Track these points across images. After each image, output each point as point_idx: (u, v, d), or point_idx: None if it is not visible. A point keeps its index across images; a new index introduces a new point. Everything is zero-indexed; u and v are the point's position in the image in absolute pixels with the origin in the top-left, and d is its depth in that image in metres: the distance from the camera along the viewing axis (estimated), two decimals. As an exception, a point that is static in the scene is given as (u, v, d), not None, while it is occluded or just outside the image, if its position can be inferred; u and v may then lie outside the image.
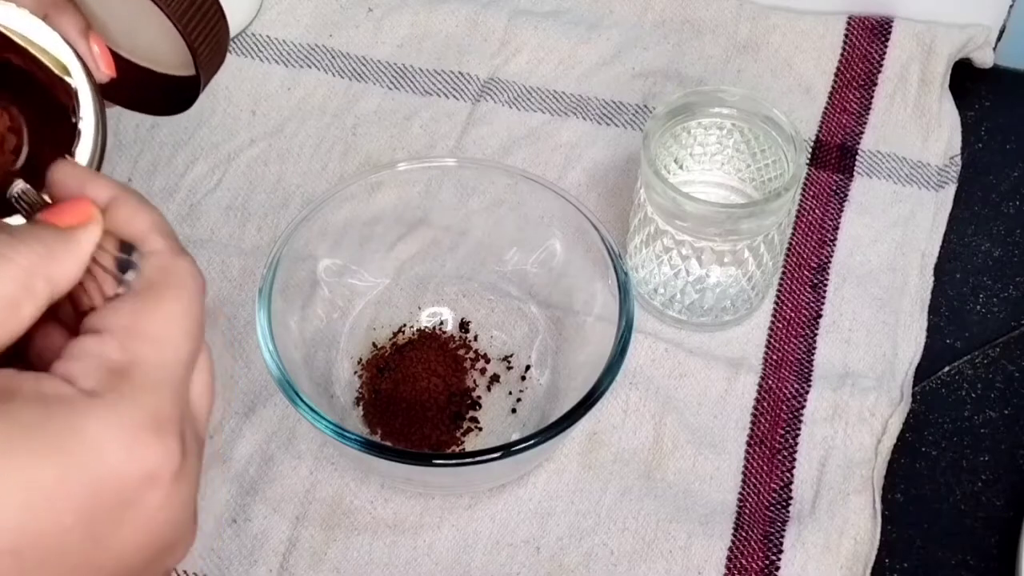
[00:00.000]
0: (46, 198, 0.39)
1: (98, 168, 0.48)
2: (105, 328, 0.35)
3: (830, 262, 0.68)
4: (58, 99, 0.48)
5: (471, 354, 0.64)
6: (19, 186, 0.40)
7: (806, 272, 0.68)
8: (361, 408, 0.62)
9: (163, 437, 0.34)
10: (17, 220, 0.46)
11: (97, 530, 0.33)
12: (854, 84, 0.75)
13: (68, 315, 0.38)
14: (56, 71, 0.47)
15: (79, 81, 0.48)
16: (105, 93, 0.50)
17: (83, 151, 0.48)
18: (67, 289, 0.36)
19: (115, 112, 0.72)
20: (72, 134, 0.48)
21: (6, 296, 0.34)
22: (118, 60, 0.52)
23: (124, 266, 0.37)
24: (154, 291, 0.36)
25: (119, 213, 0.38)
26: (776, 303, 0.67)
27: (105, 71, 0.50)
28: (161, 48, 0.52)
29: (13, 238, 0.35)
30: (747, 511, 0.60)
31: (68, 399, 0.33)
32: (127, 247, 0.38)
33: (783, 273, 0.68)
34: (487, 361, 0.64)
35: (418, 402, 0.61)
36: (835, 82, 0.75)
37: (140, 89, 0.53)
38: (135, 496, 0.34)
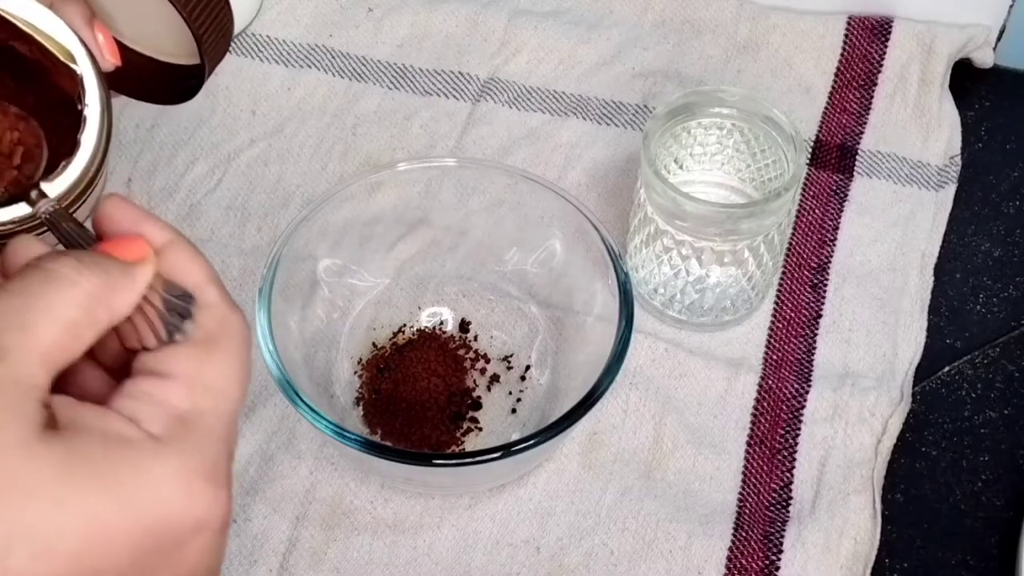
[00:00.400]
0: (88, 227, 0.40)
1: (103, 156, 0.48)
2: (169, 374, 0.36)
3: (830, 262, 0.68)
4: (63, 86, 0.48)
5: (471, 354, 0.64)
6: (47, 205, 0.41)
7: (806, 272, 0.68)
8: (361, 408, 0.62)
9: (217, 487, 0.35)
10: (12, 211, 0.46)
11: (145, 570, 0.34)
12: (854, 84, 0.75)
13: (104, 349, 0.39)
14: (62, 58, 0.47)
15: (84, 68, 0.48)
16: (110, 82, 0.50)
17: (88, 138, 0.48)
18: (119, 322, 0.37)
19: (115, 111, 0.72)
20: (77, 121, 0.48)
21: (70, 320, 0.35)
22: (123, 49, 0.52)
23: (179, 311, 0.38)
24: (214, 344, 0.37)
25: (173, 258, 0.39)
26: (776, 303, 0.67)
27: (110, 60, 0.50)
28: (166, 36, 0.52)
29: (80, 263, 0.36)
30: (747, 511, 0.60)
31: (134, 441, 0.34)
32: (177, 291, 0.38)
33: (783, 273, 0.68)
34: (487, 361, 0.64)
35: (418, 402, 0.61)
36: (835, 82, 0.75)
37: (144, 78, 0.53)
38: (185, 541, 0.35)
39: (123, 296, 0.36)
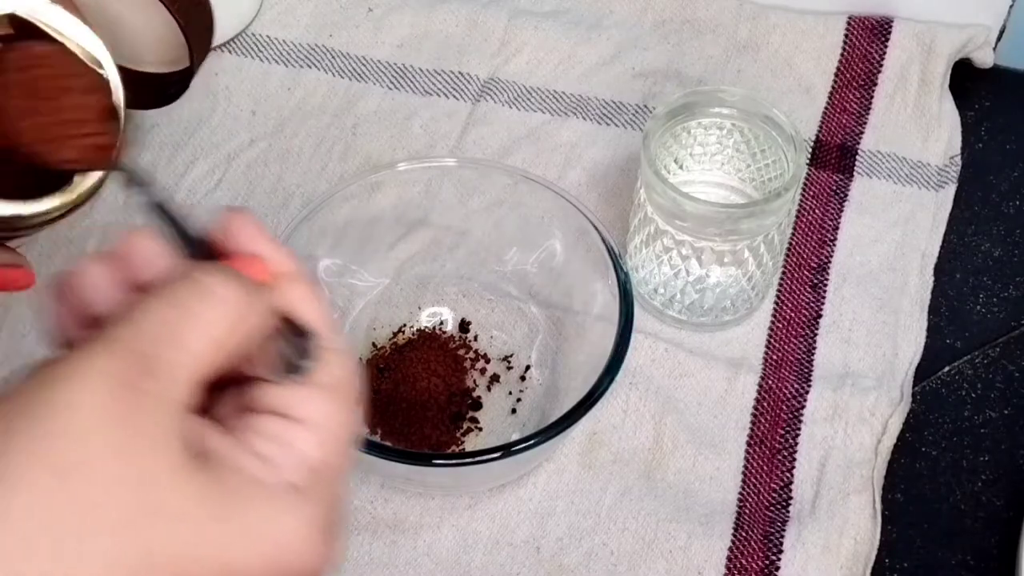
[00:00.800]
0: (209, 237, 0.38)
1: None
2: (300, 419, 0.35)
3: (830, 262, 0.68)
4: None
5: (471, 354, 0.64)
6: (158, 194, 0.38)
7: (806, 272, 0.68)
8: (361, 408, 0.62)
9: (331, 540, 0.35)
10: (23, 207, 0.46)
11: None
12: (854, 84, 0.75)
13: None
14: (89, 63, 0.48)
15: (111, 72, 0.48)
16: None
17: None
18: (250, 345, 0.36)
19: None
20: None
21: (218, 339, 0.34)
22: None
23: (297, 347, 0.36)
24: (339, 392, 0.36)
25: (295, 291, 0.37)
26: (776, 303, 0.67)
27: None
28: (146, 48, 0.52)
29: (227, 279, 0.34)
30: (747, 511, 0.60)
31: (271, 487, 0.34)
32: (295, 326, 0.36)
33: (783, 273, 0.68)
34: (487, 361, 0.64)
35: (418, 402, 0.61)
36: (835, 82, 0.75)
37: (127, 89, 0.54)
38: None
39: (257, 318, 0.35)
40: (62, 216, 0.48)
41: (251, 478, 0.34)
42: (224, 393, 0.36)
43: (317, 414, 0.35)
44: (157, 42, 0.52)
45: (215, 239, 0.37)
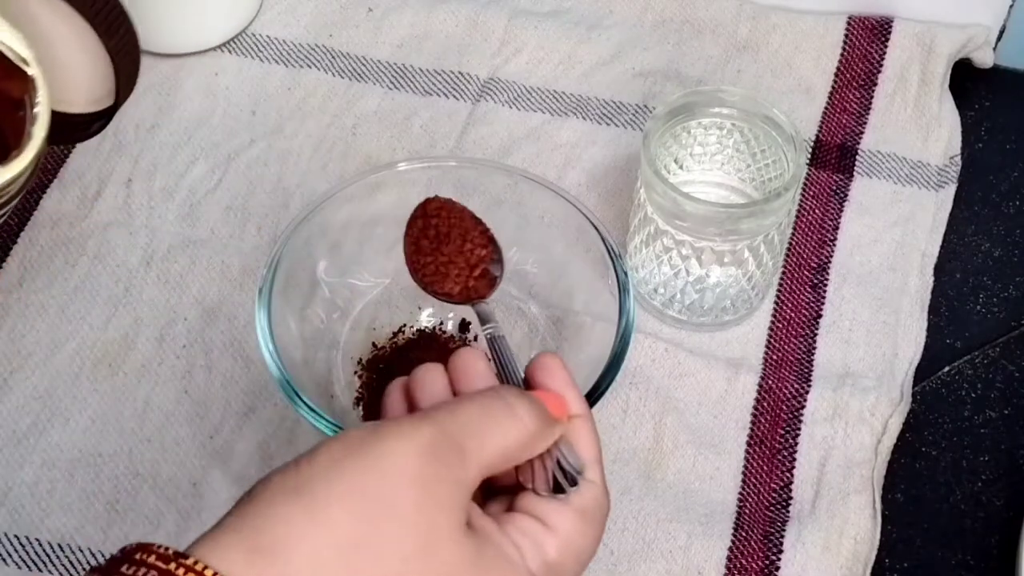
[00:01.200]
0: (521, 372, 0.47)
1: (44, 150, 0.52)
2: (551, 526, 0.43)
3: (830, 262, 0.68)
4: (12, 89, 0.51)
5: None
6: (492, 329, 0.50)
7: (806, 272, 0.68)
8: (361, 408, 0.62)
9: None
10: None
11: None
12: (854, 84, 0.75)
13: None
14: (16, 62, 0.51)
15: (35, 71, 0.51)
16: None
17: (39, 132, 0.51)
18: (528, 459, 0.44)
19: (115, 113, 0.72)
20: (23, 120, 0.52)
21: (508, 448, 0.42)
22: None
23: (567, 473, 0.44)
24: (589, 516, 0.44)
25: (578, 428, 0.46)
26: (776, 303, 0.67)
27: None
28: (72, 89, 0.55)
29: (530, 406, 0.43)
30: (747, 511, 0.60)
31: (517, 566, 0.42)
32: (572, 456, 0.44)
33: (783, 273, 0.68)
34: (487, 361, 0.64)
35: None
36: (835, 82, 0.75)
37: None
38: None
39: (543, 443, 0.43)
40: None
41: (505, 555, 0.41)
42: (497, 494, 0.45)
43: (565, 528, 0.43)
44: (85, 81, 0.55)
45: (531, 374, 0.47)
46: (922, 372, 0.65)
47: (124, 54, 0.55)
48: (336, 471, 0.39)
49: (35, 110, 0.52)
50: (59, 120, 0.55)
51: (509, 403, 0.43)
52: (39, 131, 0.51)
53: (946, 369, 0.66)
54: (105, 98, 0.56)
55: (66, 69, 0.55)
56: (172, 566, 0.36)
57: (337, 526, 0.38)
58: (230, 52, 0.76)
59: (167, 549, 0.36)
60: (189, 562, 0.36)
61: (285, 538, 0.37)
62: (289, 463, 0.40)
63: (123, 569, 0.36)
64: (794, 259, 0.68)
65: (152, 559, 0.36)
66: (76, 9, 0.53)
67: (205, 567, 0.36)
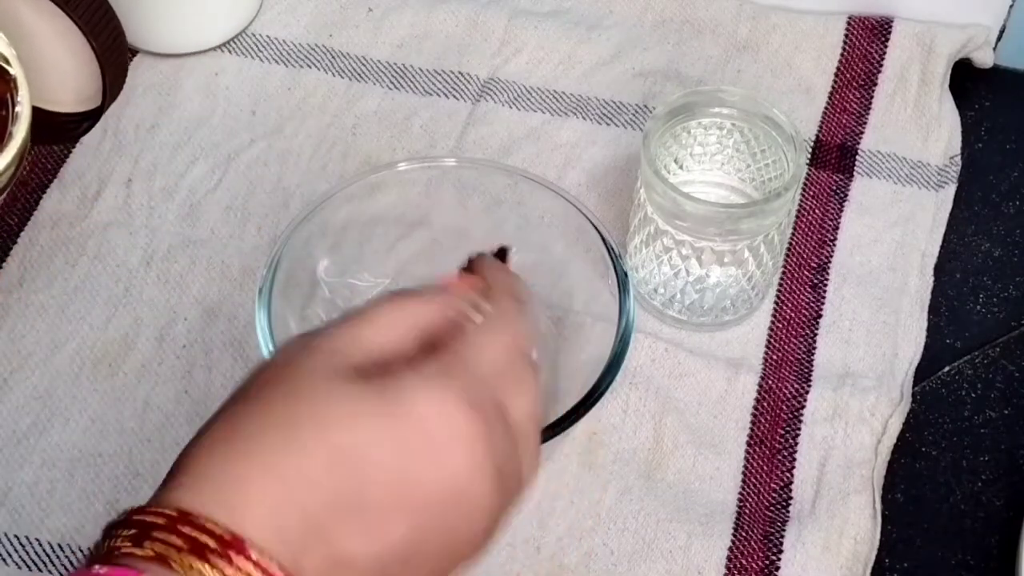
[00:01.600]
0: None
1: (27, 149, 0.52)
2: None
3: (830, 262, 0.68)
4: None
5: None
6: None
7: (806, 272, 0.68)
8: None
9: (476, 409, 0.40)
10: None
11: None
12: (854, 84, 0.75)
13: None
14: None
15: (17, 71, 0.50)
16: None
17: (19, 131, 0.52)
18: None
19: (115, 112, 0.72)
20: (7, 120, 0.51)
21: (390, 326, 0.42)
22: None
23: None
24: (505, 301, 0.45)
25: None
26: (776, 303, 0.67)
27: None
28: (59, 88, 0.55)
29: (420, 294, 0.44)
30: (747, 511, 0.60)
31: (420, 375, 0.40)
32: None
33: (783, 273, 0.68)
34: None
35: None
36: (835, 82, 0.75)
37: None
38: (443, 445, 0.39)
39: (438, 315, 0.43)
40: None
41: (404, 375, 0.39)
42: None
43: (485, 340, 0.43)
44: (72, 81, 0.54)
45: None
46: (922, 372, 0.65)
47: (110, 53, 0.55)
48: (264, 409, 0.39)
49: (16, 109, 0.51)
50: (46, 120, 0.55)
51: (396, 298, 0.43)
52: (20, 131, 0.51)
53: (946, 369, 0.66)
54: (93, 98, 0.56)
55: (52, 69, 0.55)
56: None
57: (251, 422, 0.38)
58: (230, 52, 0.76)
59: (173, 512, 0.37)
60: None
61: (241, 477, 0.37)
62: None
63: (156, 535, 0.36)
64: (794, 259, 0.68)
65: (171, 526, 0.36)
66: (60, 7, 0.53)
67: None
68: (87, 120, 0.57)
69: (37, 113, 0.55)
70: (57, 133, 0.58)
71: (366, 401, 0.38)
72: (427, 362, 0.40)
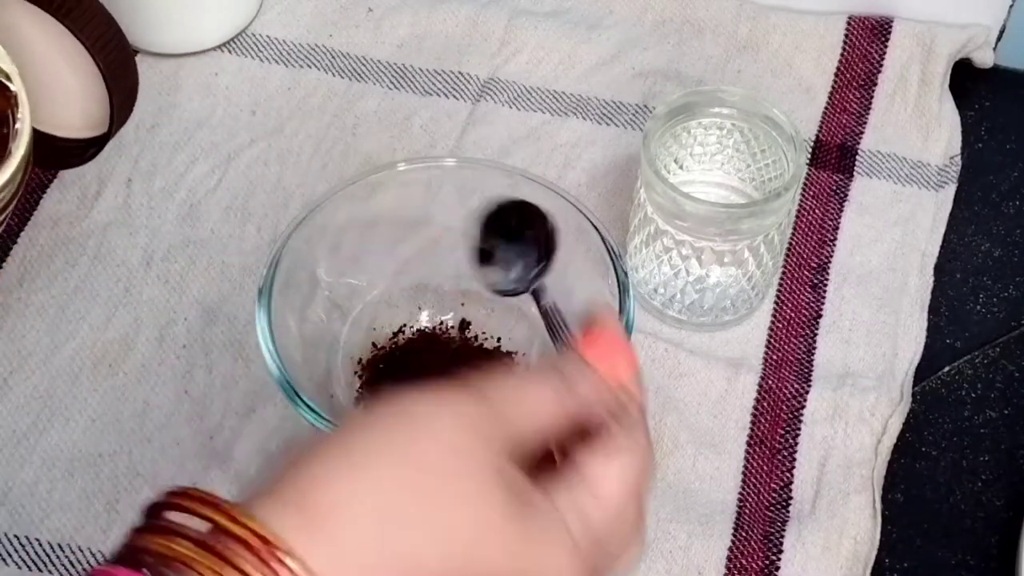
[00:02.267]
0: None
1: (29, 165, 0.51)
2: (601, 496, 0.41)
3: (830, 262, 0.68)
4: None
5: (471, 354, 0.64)
6: (550, 301, 0.50)
7: (806, 272, 0.68)
8: (361, 408, 0.62)
9: None
10: None
11: None
12: (854, 84, 0.75)
13: None
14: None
15: (19, 88, 0.50)
16: None
17: (18, 148, 0.51)
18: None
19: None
20: (7, 137, 0.51)
21: (547, 416, 0.41)
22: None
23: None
24: (633, 479, 0.42)
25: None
26: (776, 303, 0.67)
27: None
28: (67, 115, 0.54)
29: (581, 371, 0.43)
30: (747, 511, 0.60)
31: (560, 532, 0.40)
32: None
33: (783, 273, 0.68)
34: (488, 361, 0.64)
35: (418, 402, 0.61)
36: (835, 82, 0.75)
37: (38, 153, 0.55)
38: None
39: (587, 413, 0.42)
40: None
41: (547, 518, 0.39)
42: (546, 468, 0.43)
43: (612, 493, 0.41)
44: (79, 104, 0.54)
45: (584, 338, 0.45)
46: (922, 372, 0.65)
47: (118, 75, 0.54)
48: (381, 436, 0.39)
49: (16, 126, 0.51)
50: (53, 144, 0.54)
51: (556, 367, 0.42)
52: (19, 148, 0.50)
53: (946, 369, 0.66)
54: (101, 123, 0.56)
55: (59, 92, 0.54)
56: (224, 519, 0.36)
57: (383, 492, 0.37)
58: (230, 52, 0.76)
59: (217, 499, 0.36)
60: (244, 522, 0.36)
61: (334, 501, 0.36)
62: (334, 430, 0.40)
63: (168, 515, 0.36)
64: (794, 259, 0.68)
65: (204, 508, 0.36)
66: (66, 26, 0.53)
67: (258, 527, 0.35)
68: (93, 146, 0.56)
69: (43, 137, 0.55)
70: (62, 158, 0.57)
71: (508, 522, 0.38)
72: (563, 492, 0.40)
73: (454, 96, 0.74)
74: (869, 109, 0.74)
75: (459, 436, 0.39)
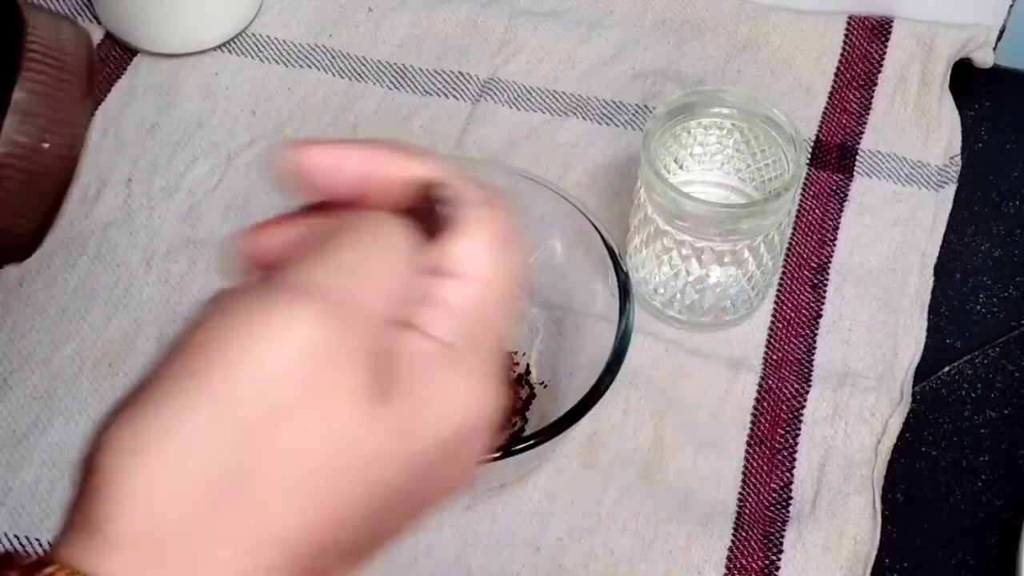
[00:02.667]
0: None
1: None
2: (451, 272, 0.35)
3: (830, 262, 0.68)
4: None
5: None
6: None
7: (806, 272, 0.68)
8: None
9: (493, 384, 0.35)
10: None
11: (430, 476, 0.34)
12: (854, 84, 0.75)
13: None
14: None
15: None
16: None
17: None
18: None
19: (116, 112, 0.72)
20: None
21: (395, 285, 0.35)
22: None
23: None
24: (467, 231, 0.37)
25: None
26: (776, 303, 0.67)
27: None
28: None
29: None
30: (747, 511, 0.60)
31: (432, 366, 0.34)
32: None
33: (783, 273, 0.68)
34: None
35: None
36: (835, 82, 0.75)
37: None
38: (472, 439, 0.35)
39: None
40: None
41: (414, 366, 0.33)
42: None
43: (463, 263, 0.35)
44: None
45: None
46: (922, 372, 0.65)
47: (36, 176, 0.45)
48: (196, 394, 0.31)
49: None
50: None
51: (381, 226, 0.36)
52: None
53: (946, 369, 0.66)
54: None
55: None
56: None
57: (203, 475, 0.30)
58: (230, 52, 0.76)
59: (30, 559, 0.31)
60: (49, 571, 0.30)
61: (140, 526, 0.30)
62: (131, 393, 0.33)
63: None
64: (794, 259, 0.68)
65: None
66: None
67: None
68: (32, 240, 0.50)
69: None
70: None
71: (375, 421, 0.33)
72: (437, 318, 0.34)
73: (454, 96, 0.74)
74: (869, 109, 0.74)
75: (311, 386, 0.31)
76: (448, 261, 0.36)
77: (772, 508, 0.60)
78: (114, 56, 0.75)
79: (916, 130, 0.73)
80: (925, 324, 0.66)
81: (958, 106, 0.74)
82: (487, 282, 0.36)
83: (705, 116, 0.63)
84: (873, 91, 0.74)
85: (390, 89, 0.75)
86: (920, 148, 0.72)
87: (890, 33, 0.75)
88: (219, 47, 0.76)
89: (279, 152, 0.38)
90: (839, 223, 0.70)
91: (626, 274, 0.58)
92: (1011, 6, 0.75)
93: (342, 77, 0.75)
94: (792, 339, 0.66)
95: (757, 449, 0.62)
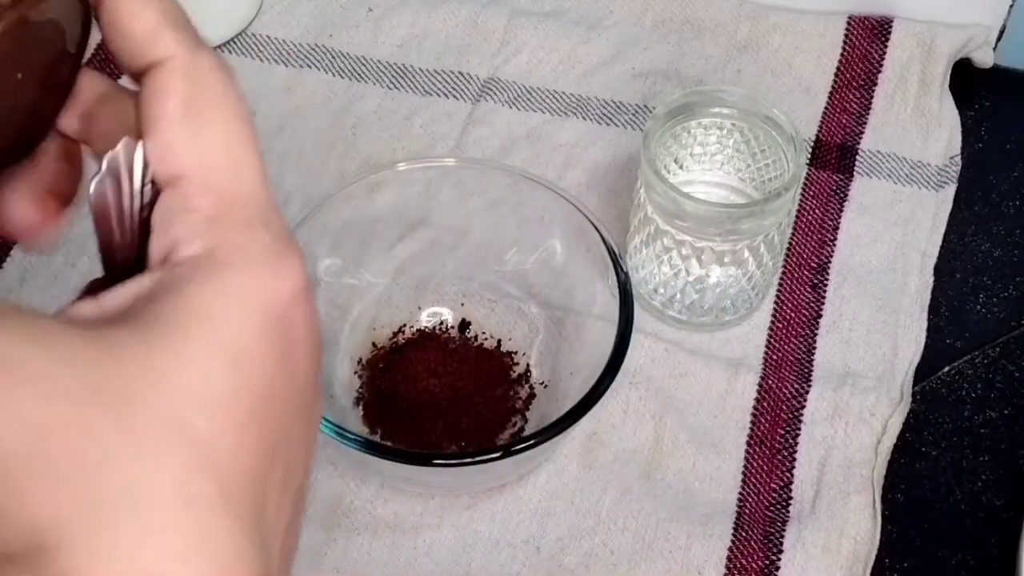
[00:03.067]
0: None
1: None
2: (178, 176, 0.31)
3: (830, 262, 0.68)
4: None
5: (471, 355, 0.64)
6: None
7: (806, 272, 0.68)
8: (361, 408, 0.62)
9: (283, 248, 0.32)
10: None
11: (288, 363, 0.31)
12: (854, 84, 0.75)
13: None
14: None
15: None
16: None
17: None
18: None
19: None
20: None
21: None
22: None
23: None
24: (197, 112, 0.32)
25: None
26: (776, 303, 0.67)
27: None
28: None
29: None
30: (747, 511, 0.60)
31: (189, 276, 0.30)
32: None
33: (783, 273, 0.68)
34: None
35: (418, 402, 0.61)
36: (835, 82, 0.75)
37: None
38: (292, 314, 0.31)
39: None
40: None
41: (175, 282, 0.30)
42: None
43: (185, 160, 0.31)
44: None
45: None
46: (922, 372, 0.65)
47: None
48: None
49: None
50: None
51: None
52: None
53: (946, 369, 0.66)
54: None
55: None
56: None
57: None
58: (230, 52, 0.76)
59: None
60: None
61: None
62: None
63: None
64: (794, 259, 0.68)
65: None
66: None
67: None
68: None
69: None
70: None
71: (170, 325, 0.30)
72: (185, 232, 0.31)
73: (454, 96, 0.74)
74: (869, 109, 0.74)
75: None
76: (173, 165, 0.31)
77: (772, 508, 0.60)
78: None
79: (916, 130, 0.73)
80: (925, 324, 0.66)
81: (958, 106, 0.74)
82: (222, 168, 0.32)
83: (705, 116, 0.63)
84: (873, 91, 0.74)
85: (390, 89, 0.75)
86: (920, 148, 0.72)
87: (890, 33, 0.75)
88: (219, 47, 0.76)
89: None
90: (839, 223, 0.70)
91: (626, 274, 0.58)
92: (1011, 6, 0.75)
93: (342, 77, 0.75)
94: (792, 339, 0.66)
95: (757, 449, 0.62)
